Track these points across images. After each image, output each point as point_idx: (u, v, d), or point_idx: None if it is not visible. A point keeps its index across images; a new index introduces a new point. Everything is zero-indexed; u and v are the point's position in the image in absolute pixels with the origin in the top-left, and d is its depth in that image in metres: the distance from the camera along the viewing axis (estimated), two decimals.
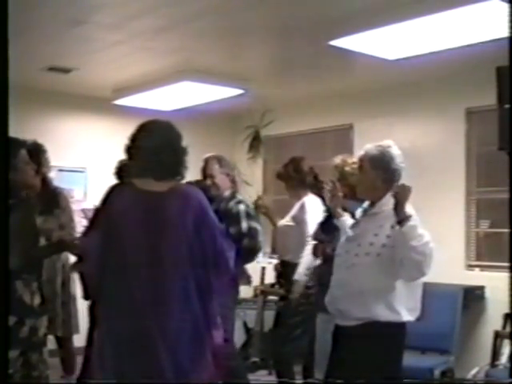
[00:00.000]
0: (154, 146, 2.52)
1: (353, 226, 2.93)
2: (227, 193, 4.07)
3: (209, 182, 4.06)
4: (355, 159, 3.86)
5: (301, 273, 4.08)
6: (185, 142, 2.61)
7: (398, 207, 2.58)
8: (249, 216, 3.98)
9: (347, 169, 3.68)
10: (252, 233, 3.94)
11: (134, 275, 2.43)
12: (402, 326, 2.76)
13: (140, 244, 2.44)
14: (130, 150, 2.59)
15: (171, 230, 2.47)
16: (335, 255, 2.97)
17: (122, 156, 4.07)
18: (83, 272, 2.60)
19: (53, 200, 3.04)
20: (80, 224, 3.99)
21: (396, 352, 2.79)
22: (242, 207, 3.99)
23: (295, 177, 4.29)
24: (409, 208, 2.64)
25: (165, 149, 2.53)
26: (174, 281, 2.45)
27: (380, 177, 2.80)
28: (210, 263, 2.52)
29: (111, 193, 2.57)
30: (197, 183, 3.97)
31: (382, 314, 2.70)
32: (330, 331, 3.34)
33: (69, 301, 4.39)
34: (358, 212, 2.99)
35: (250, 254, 4.03)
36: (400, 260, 2.60)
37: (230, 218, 3.94)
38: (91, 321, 3.87)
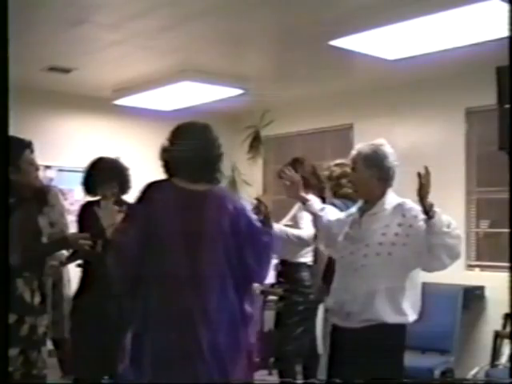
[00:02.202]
0: (191, 149, 2.54)
1: (352, 227, 2.88)
2: None
3: None
4: (344, 160, 3.87)
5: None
6: (222, 147, 2.66)
7: (423, 194, 2.54)
8: None
9: (335, 173, 3.68)
10: None
11: (173, 271, 2.43)
12: (405, 326, 2.75)
13: (179, 241, 2.45)
14: (166, 151, 2.60)
15: (210, 228, 2.49)
16: (338, 258, 2.93)
17: (121, 155, 4.08)
18: (112, 268, 2.58)
19: (42, 198, 3.04)
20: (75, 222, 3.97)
21: (399, 352, 2.78)
22: None
23: None
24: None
25: (201, 153, 2.56)
26: (212, 280, 2.45)
27: (375, 175, 2.79)
28: (246, 265, 2.53)
29: (149, 189, 2.56)
30: None
31: (391, 316, 2.68)
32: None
33: (60, 302, 4.36)
34: (353, 211, 2.95)
35: None
36: (430, 250, 2.58)
37: None
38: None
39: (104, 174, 3.71)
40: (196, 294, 2.42)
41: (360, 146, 2.87)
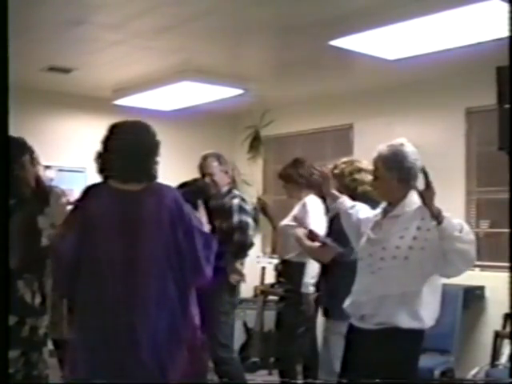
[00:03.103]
0: (121, 149, 2.57)
1: (373, 228, 2.84)
2: (224, 189, 4.08)
3: (208, 179, 4.06)
4: (351, 158, 3.84)
5: (307, 284, 4.02)
6: (157, 146, 2.65)
7: (428, 205, 2.49)
8: (241, 210, 3.98)
9: (347, 169, 3.65)
10: (242, 226, 3.94)
11: (111, 274, 2.46)
12: (422, 331, 2.70)
13: (116, 242, 2.47)
14: (101, 152, 2.64)
15: (147, 228, 2.50)
16: (358, 259, 2.89)
17: None
18: (54, 274, 2.63)
19: (44, 199, 3.03)
20: None
21: (413, 357, 2.74)
22: (235, 201, 4.00)
23: (299, 178, 4.28)
24: None
25: (131, 152, 2.56)
26: (151, 279, 2.48)
27: (395, 177, 2.73)
28: (186, 261, 2.56)
29: (86, 192, 2.59)
30: (194, 182, 3.97)
31: (405, 321, 2.64)
32: (333, 333, 3.33)
33: (60, 302, 4.34)
34: (377, 213, 2.91)
35: (240, 248, 4.02)
36: (444, 256, 2.51)
37: (223, 213, 3.94)
38: None
39: None
40: (131, 291, 2.45)
41: (380, 147, 2.81)
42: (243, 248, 4.03)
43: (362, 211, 3.03)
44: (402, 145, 2.76)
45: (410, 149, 2.76)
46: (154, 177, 2.62)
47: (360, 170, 3.55)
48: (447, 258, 2.51)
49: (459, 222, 2.53)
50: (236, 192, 4.12)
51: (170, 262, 2.51)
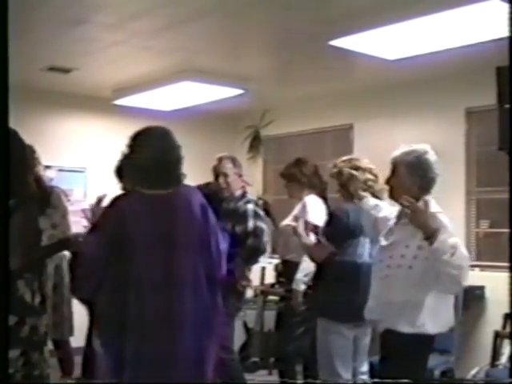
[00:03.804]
0: (151, 157, 2.57)
1: (386, 234, 2.84)
2: (238, 193, 4.08)
3: (221, 180, 4.07)
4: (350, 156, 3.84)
5: (299, 280, 4.03)
6: (181, 149, 2.65)
7: (417, 225, 2.48)
8: (256, 215, 3.98)
9: (346, 165, 3.65)
10: (257, 232, 3.94)
11: (149, 276, 2.44)
12: (425, 336, 2.72)
13: (155, 248, 2.47)
14: (127, 158, 2.65)
15: (182, 230, 2.52)
16: (372, 263, 2.92)
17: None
18: (78, 270, 2.62)
19: (45, 199, 3.03)
20: (79, 224, 3.98)
21: (418, 359, 2.77)
22: (250, 206, 4.00)
23: (301, 178, 4.28)
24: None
25: (161, 159, 2.57)
26: (189, 284, 2.49)
27: (416, 184, 2.72)
28: (214, 257, 2.59)
29: (116, 201, 2.59)
30: (207, 185, 3.98)
31: (405, 327, 2.66)
32: (330, 333, 3.34)
33: (61, 303, 4.35)
34: (392, 214, 2.90)
35: (253, 254, 4.01)
36: (436, 273, 2.52)
37: (237, 217, 3.95)
38: (91, 321, 3.86)
39: None
40: (175, 295, 2.46)
41: (404, 149, 2.79)
42: (256, 254, 4.02)
43: (384, 210, 3.03)
44: (426, 153, 2.77)
45: (433, 158, 2.77)
46: (181, 181, 2.65)
47: (358, 169, 3.55)
48: (438, 277, 2.53)
49: (453, 245, 2.50)
50: (250, 196, 4.13)
51: (202, 261, 2.53)
